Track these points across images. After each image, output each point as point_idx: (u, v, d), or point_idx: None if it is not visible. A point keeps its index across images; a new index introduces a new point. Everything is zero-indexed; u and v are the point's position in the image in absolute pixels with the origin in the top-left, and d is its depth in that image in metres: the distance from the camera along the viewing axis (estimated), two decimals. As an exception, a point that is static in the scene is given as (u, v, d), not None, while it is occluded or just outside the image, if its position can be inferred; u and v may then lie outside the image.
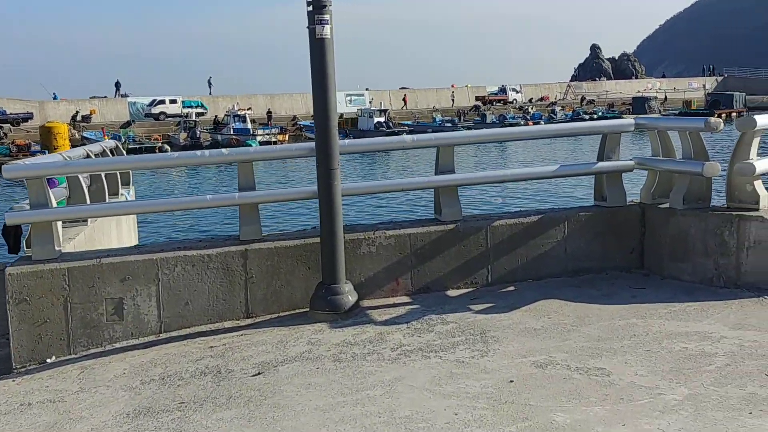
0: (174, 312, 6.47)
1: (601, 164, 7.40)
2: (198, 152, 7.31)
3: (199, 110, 74.86)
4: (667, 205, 7.25)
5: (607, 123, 7.41)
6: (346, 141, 6.92)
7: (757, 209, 6.76)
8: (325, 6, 6.24)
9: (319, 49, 6.30)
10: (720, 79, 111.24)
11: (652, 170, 7.49)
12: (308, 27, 6.31)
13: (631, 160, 7.52)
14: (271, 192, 6.93)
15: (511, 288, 7.12)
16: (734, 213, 6.71)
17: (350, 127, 69.79)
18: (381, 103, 73.48)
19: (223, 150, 7.09)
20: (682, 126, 7.06)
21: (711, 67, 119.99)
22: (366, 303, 6.84)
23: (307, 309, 6.63)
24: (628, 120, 7.44)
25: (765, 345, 5.21)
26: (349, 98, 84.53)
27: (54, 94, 72.47)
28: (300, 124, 74.03)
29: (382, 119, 68.19)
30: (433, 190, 7.31)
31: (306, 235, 6.90)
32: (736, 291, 6.56)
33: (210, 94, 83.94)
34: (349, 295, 6.51)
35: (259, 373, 5.28)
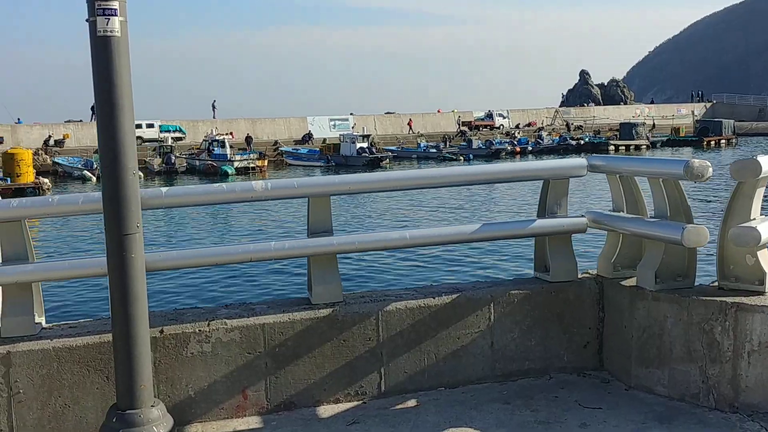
0: None
1: (541, 222, 5.26)
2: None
3: (177, 135, 72.76)
4: (633, 282, 5.12)
5: (549, 164, 5.29)
6: (163, 190, 4.75)
7: (762, 292, 4.64)
8: (112, -10, 4.12)
9: (102, 52, 4.16)
10: (708, 105, 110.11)
11: (613, 231, 5.35)
12: (88, 20, 4.18)
13: (583, 216, 5.39)
14: (44, 266, 4.76)
15: (412, 402, 4.95)
16: (729, 300, 4.58)
17: (332, 152, 67.84)
18: (364, 128, 71.55)
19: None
20: (652, 170, 4.94)
21: (700, 93, 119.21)
22: (195, 429, 4.67)
23: (102, 440, 4.45)
24: (578, 160, 5.32)
25: None
26: (333, 123, 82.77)
27: (18, 119, 69.89)
28: (281, 150, 72.04)
29: (364, 144, 66.17)
30: (305, 259, 5.14)
31: (108, 329, 4.72)
32: (734, 418, 4.41)
33: (214, 117, 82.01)
34: (155, 425, 4.31)
35: None
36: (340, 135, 70.11)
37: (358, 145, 65.16)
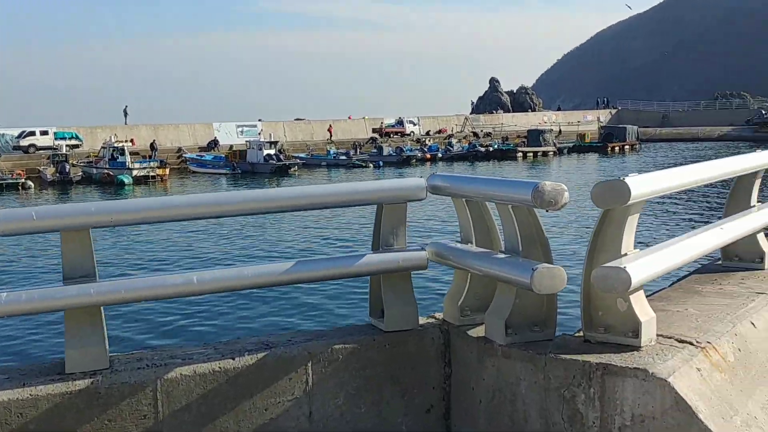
0: None
1: (371, 258, 4.21)
2: None
3: (74, 142, 69.44)
4: (482, 333, 4.11)
5: (380, 186, 4.25)
6: None
7: (637, 347, 3.70)
8: None
9: None
10: (614, 112, 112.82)
11: (461, 269, 4.34)
12: None
13: (423, 249, 4.36)
14: None
15: (201, 496, 3.81)
16: (595, 359, 3.61)
17: (238, 159, 65.92)
18: (271, 134, 69.86)
19: None
20: (498, 194, 3.95)
21: (605, 100, 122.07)
22: None
23: None
24: (415, 181, 4.29)
25: None
26: (240, 129, 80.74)
27: None
28: (185, 157, 69.62)
29: (272, 151, 64.49)
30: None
31: None
32: None
33: (125, 123, 78.74)
34: None
35: None
36: (247, 141, 68.32)
37: (265, 152, 63.46)
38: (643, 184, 3.64)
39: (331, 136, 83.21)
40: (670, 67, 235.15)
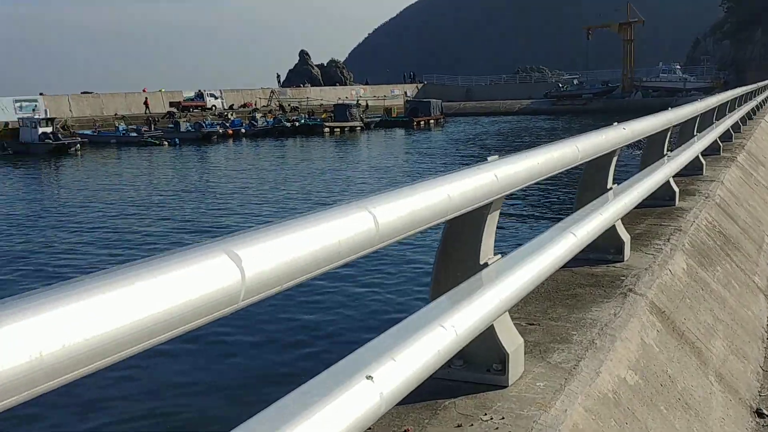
0: None
1: None
2: None
3: None
4: None
5: None
6: None
7: None
8: None
9: None
10: (420, 86, 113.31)
11: None
12: None
13: None
14: None
15: None
16: None
17: (10, 139, 58.63)
18: (46, 111, 62.95)
19: None
20: None
21: (411, 74, 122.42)
22: None
23: None
24: None
25: None
26: (19, 105, 72.42)
27: None
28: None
29: (48, 129, 57.84)
30: None
31: None
32: None
33: None
34: None
35: None
36: (19, 119, 60.99)
37: (41, 130, 56.83)
38: None
39: (147, 108, 77.30)
40: (474, 43, 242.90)
